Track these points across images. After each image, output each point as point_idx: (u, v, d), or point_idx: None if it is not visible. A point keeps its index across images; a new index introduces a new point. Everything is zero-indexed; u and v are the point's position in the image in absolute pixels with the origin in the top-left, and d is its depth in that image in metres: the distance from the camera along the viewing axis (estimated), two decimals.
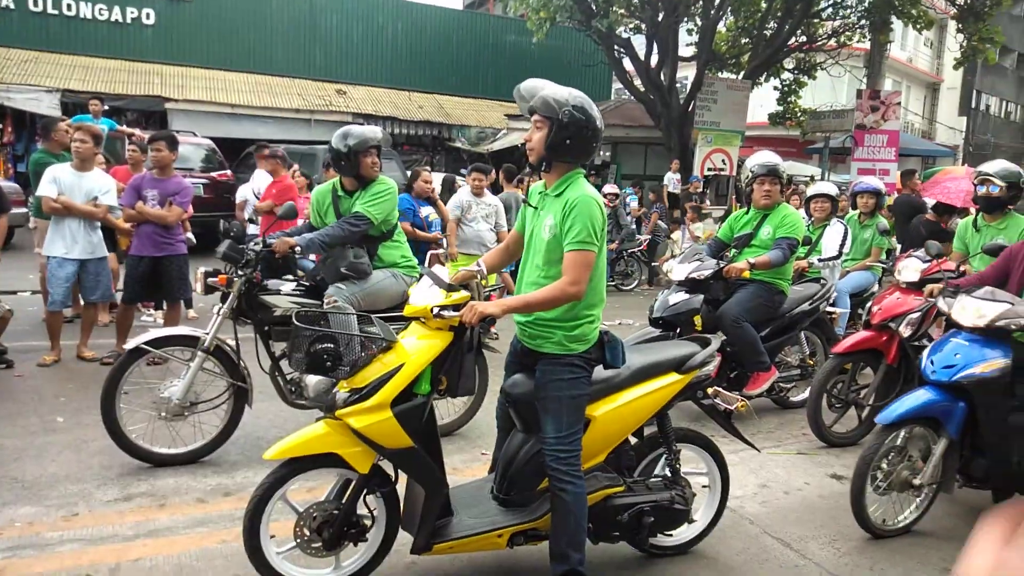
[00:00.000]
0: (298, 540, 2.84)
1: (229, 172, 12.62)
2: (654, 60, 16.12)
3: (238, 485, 3.93)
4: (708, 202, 14.30)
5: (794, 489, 4.27)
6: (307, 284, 4.53)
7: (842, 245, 6.16)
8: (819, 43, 17.07)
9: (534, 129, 2.78)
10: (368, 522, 2.91)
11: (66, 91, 14.59)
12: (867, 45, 18.06)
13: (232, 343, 4.30)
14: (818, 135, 18.35)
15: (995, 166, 4.78)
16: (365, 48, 19.88)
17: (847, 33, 16.83)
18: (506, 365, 3.11)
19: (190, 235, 7.09)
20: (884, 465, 3.59)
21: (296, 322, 2.76)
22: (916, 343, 4.60)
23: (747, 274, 4.92)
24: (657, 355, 3.17)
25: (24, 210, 9.65)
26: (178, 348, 4.28)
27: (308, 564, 2.94)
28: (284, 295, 4.36)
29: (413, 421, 2.74)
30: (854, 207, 6.92)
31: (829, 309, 5.64)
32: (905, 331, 4.52)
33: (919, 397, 3.55)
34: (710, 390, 3.25)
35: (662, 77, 16.02)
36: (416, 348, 2.77)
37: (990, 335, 3.50)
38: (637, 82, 16.62)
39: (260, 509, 2.76)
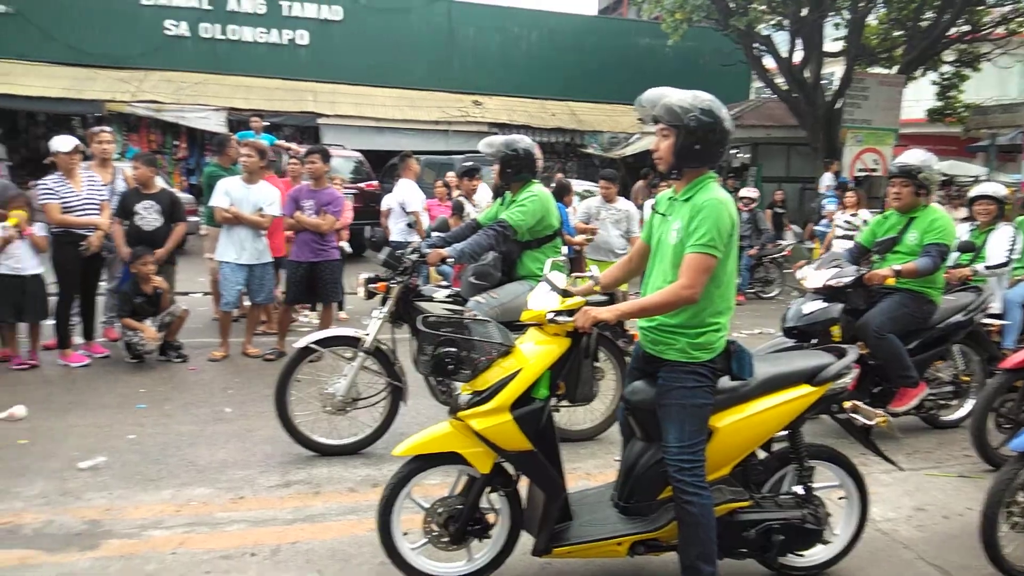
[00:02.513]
0: (428, 535, 2.99)
1: (375, 182, 13.36)
2: (797, 57, 15.48)
3: (385, 477, 4.12)
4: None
5: (955, 514, 4.00)
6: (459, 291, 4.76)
7: (1011, 251, 5.64)
8: (984, 32, 15.75)
9: (660, 138, 2.77)
10: (492, 518, 3.03)
11: (231, 109, 15.94)
12: None
13: (390, 345, 4.59)
14: (983, 132, 16.91)
15: None
16: (500, 58, 20.34)
17: (1018, 19, 15.42)
18: (628, 371, 3.14)
19: (344, 244, 7.59)
20: (1021, 498, 3.24)
21: (421, 327, 2.92)
22: None
23: (891, 281, 4.68)
24: (788, 365, 3.07)
25: (196, 219, 10.65)
26: (342, 348, 4.63)
27: (442, 558, 3.09)
28: (437, 301, 4.62)
29: (531, 425, 2.81)
30: None
31: (986, 321, 5.24)
32: None
33: None
34: (847, 404, 3.13)
35: (806, 74, 15.36)
36: (533, 353, 2.85)
37: None
38: (778, 80, 16.02)
39: (390, 505, 2.94)
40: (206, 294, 8.30)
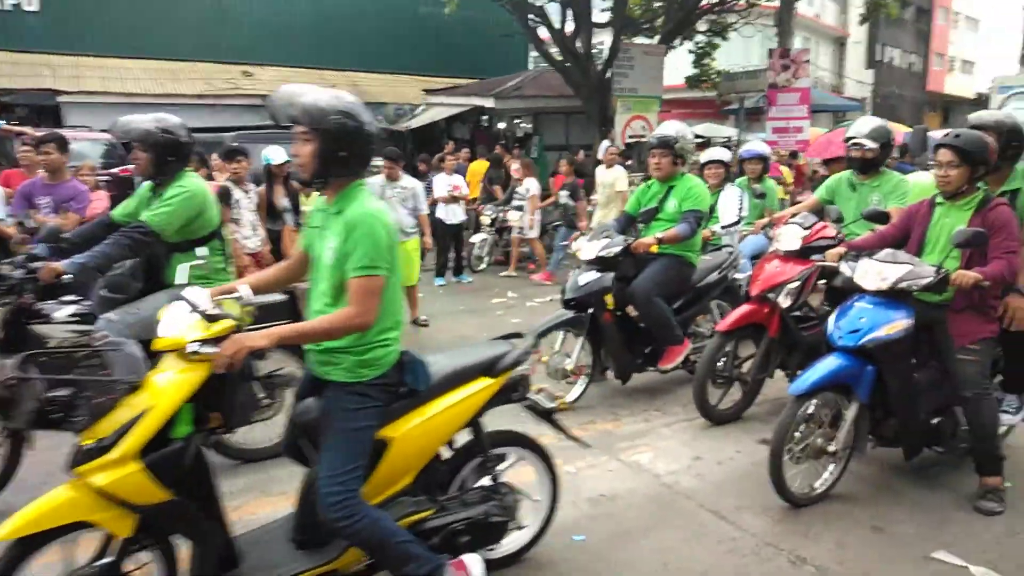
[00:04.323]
0: None
1: (131, 166, 12.08)
2: (569, 28, 16.02)
3: None
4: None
5: (726, 459, 4.29)
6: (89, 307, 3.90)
7: (740, 209, 6.08)
8: (730, 3, 17.26)
9: (300, 142, 2.49)
10: None
11: None
12: (776, 2, 18.36)
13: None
14: (733, 96, 18.63)
15: (864, 127, 4.74)
16: (274, 26, 19.17)
17: None
18: (298, 393, 2.84)
19: None
20: (798, 435, 3.61)
21: (13, 372, 2.41)
22: (798, 313, 4.62)
23: (655, 248, 4.93)
24: (464, 360, 2.93)
25: None
26: None
27: None
28: (58, 323, 3.78)
29: (169, 470, 2.37)
30: (742, 173, 6.87)
31: (737, 276, 5.69)
32: (784, 302, 4.47)
33: (829, 365, 3.59)
34: (534, 388, 3.07)
35: (578, 45, 15.97)
36: (169, 385, 2.38)
37: (893, 297, 3.55)
38: (553, 51, 16.54)
39: None
40: None
